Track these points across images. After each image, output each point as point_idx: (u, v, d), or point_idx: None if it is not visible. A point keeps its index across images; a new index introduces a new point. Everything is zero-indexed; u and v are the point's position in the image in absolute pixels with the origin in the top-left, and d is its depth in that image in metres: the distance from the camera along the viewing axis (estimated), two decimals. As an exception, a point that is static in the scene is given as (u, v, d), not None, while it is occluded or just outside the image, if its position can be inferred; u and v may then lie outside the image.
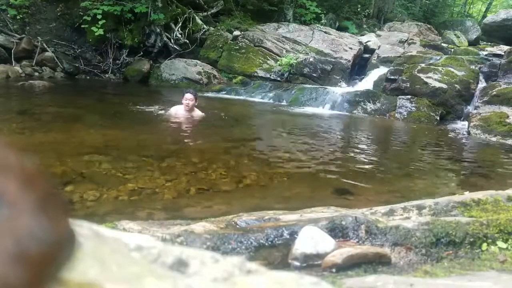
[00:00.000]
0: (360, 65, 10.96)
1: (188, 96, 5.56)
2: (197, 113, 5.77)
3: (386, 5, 16.39)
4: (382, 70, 9.63)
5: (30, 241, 0.28)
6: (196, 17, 11.43)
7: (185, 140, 5.08)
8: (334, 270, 1.33)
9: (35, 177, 0.31)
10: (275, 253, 1.43)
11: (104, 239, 0.46)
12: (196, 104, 5.71)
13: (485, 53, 10.00)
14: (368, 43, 11.46)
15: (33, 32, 10.53)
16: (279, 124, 6.73)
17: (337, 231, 1.53)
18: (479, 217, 1.63)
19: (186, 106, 5.57)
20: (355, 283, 1.18)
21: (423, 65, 8.63)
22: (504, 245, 1.47)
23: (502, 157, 5.56)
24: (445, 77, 8.03)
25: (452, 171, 4.57)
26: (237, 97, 9.06)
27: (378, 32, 13.21)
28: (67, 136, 4.56)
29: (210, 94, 9.28)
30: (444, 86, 7.86)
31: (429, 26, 14.65)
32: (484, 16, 19.61)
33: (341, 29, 13.24)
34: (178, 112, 5.74)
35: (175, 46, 10.97)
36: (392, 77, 8.48)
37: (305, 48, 10.95)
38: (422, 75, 8.12)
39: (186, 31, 11.13)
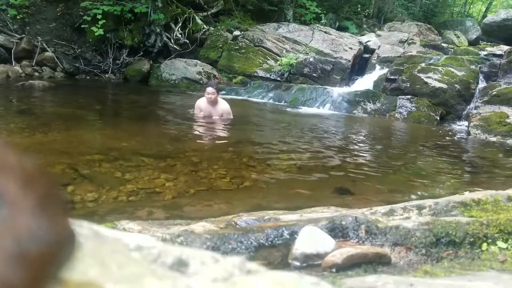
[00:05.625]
0: (360, 65, 10.96)
1: (210, 90, 5.68)
2: (222, 106, 5.86)
3: (386, 5, 16.39)
4: (382, 70, 9.63)
5: (30, 241, 0.28)
6: (196, 17, 11.43)
7: (185, 140, 5.08)
8: (334, 270, 1.33)
9: (35, 177, 0.31)
10: (275, 253, 1.43)
11: (104, 239, 0.46)
12: (218, 96, 5.81)
13: (485, 53, 10.00)
14: (368, 43, 11.46)
15: (33, 32, 10.53)
16: (279, 124, 6.73)
17: (337, 231, 1.53)
18: (479, 217, 1.63)
19: (209, 99, 5.71)
20: (355, 283, 1.18)
21: (423, 65, 8.63)
22: (504, 245, 1.47)
23: (502, 157, 5.56)
24: (445, 77, 8.03)
25: (452, 171, 4.57)
26: (237, 97, 9.06)
27: (378, 32, 13.21)
28: (67, 136, 4.56)
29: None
30: (444, 86, 7.86)
31: (429, 26, 14.64)
32: (484, 16, 19.61)
33: (341, 29, 13.23)
34: (202, 105, 5.86)
35: (175, 46, 10.97)
36: (392, 77, 8.48)
37: (305, 48, 10.95)
38: (422, 75, 8.12)
39: (186, 31, 11.13)
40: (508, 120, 6.65)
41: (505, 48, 9.64)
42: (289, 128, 6.41)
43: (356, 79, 10.20)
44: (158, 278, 0.42)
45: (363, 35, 12.69)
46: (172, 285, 0.42)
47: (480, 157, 5.71)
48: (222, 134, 5.58)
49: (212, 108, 5.77)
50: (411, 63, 8.97)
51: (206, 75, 10.32)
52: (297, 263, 1.38)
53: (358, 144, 5.78)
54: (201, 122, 5.78)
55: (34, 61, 10.14)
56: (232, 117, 5.95)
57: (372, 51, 11.19)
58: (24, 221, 0.28)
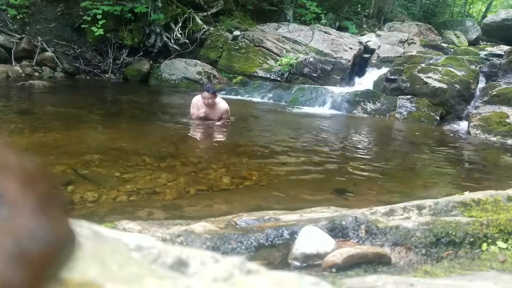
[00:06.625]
0: (360, 65, 10.96)
1: (206, 95, 5.38)
2: (220, 105, 5.64)
3: (386, 5, 16.38)
4: (382, 70, 9.63)
5: (30, 241, 0.28)
6: (196, 17, 11.43)
7: (185, 140, 5.08)
8: (334, 270, 1.33)
9: (35, 177, 0.31)
10: (275, 253, 1.43)
11: (104, 239, 0.46)
12: (215, 98, 5.57)
13: (485, 53, 9.99)
14: (368, 43, 11.46)
15: (33, 32, 10.53)
16: (279, 124, 6.73)
17: (337, 231, 1.52)
18: (479, 217, 1.63)
19: (207, 104, 5.50)
20: (355, 283, 1.18)
21: (423, 65, 8.63)
22: (504, 245, 1.47)
23: (502, 157, 5.56)
24: (445, 77, 8.03)
25: (452, 171, 4.57)
26: (237, 97, 9.06)
27: (378, 32, 13.20)
28: (67, 136, 4.56)
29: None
30: (444, 86, 7.86)
31: (429, 26, 14.64)
32: (484, 16, 19.60)
33: (341, 29, 13.23)
34: (200, 104, 5.59)
35: (175, 46, 10.96)
36: (392, 77, 8.47)
37: (305, 48, 10.95)
38: (422, 75, 8.12)
39: (186, 31, 11.13)
40: (508, 120, 6.65)
41: (505, 48, 9.63)
42: (289, 128, 6.41)
43: (356, 79, 10.21)
44: (158, 278, 0.42)
45: (363, 35, 12.68)
46: (172, 285, 0.42)
47: (480, 157, 5.71)
48: (222, 134, 5.57)
49: (210, 108, 5.65)
50: (411, 63, 8.97)
51: (206, 75, 10.32)
52: (297, 263, 1.38)
53: (358, 144, 5.78)
54: (201, 122, 5.75)
55: (34, 61, 10.14)
56: (230, 117, 5.81)
57: (372, 51, 11.18)
58: (24, 221, 0.28)
